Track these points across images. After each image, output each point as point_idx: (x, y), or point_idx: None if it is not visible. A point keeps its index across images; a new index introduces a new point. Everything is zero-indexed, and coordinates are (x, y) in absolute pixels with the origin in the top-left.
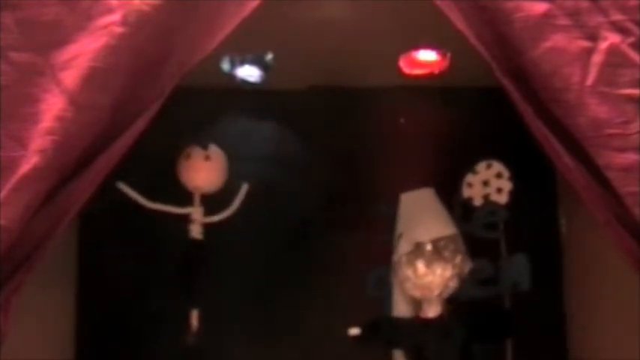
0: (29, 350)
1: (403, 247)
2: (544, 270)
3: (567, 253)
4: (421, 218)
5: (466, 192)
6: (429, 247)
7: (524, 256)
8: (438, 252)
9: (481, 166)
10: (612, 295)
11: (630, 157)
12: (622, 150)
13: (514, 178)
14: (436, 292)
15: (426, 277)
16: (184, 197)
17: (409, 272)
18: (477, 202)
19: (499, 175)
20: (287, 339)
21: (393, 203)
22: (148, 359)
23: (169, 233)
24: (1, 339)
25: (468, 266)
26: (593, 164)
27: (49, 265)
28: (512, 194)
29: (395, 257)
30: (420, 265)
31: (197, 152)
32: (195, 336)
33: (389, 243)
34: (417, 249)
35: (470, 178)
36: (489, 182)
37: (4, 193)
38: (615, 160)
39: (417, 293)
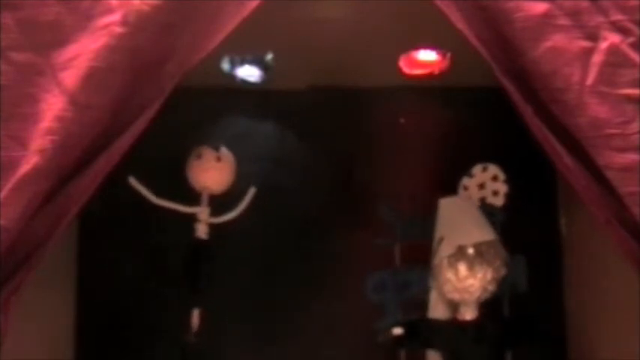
0: (29, 350)
1: (445, 250)
2: (544, 270)
3: (567, 253)
4: (463, 223)
5: (462, 195)
6: (471, 250)
7: (521, 258)
8: (480, 256)
9: (477, 169)
10: (612, 295)
11: (630, 157)
12: (622, 150)
13: (514, 178)
14: (476, 295)
15: (467, 279)
16: (184, 198)
17: (450, 275)
18: None
19: (495, 178)
20: (287, 339)
21: (393, 203)
22: (148, 359)
23: (169, 233)
24: (1, 339)
25: (504, 271)
26: (593, 164)
27: (49, 265)
28: (509, 196)
29: (435, 261)
30: (462, 268)
31: (208, 153)
32: (196, 335)
33: (389, 243)
34: (459, 252)
35: (466, 181)
36: (485, 185)
37: (4, 193)
38: (615, 160)
39: (456, 296)
